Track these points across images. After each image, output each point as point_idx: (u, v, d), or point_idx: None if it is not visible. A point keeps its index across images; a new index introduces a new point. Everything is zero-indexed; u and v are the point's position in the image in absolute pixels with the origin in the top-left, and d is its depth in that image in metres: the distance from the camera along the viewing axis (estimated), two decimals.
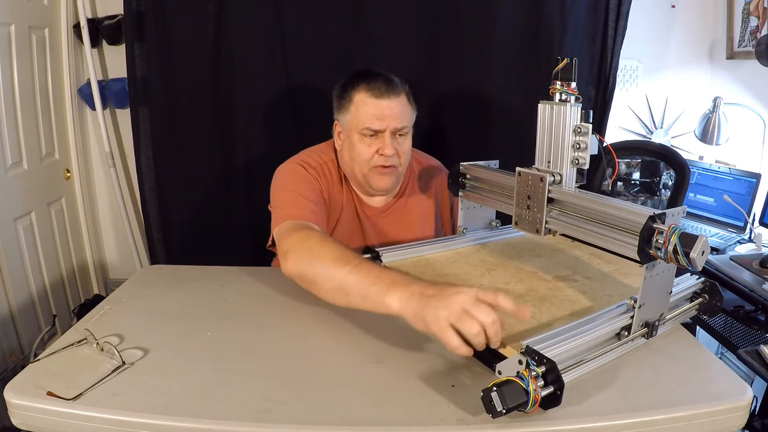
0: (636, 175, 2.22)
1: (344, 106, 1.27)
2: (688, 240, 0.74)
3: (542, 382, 0.71)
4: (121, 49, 2.04)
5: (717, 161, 2.16)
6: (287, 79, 1.92)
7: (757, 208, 1.89)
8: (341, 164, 1.35)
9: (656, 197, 2.19)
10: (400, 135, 1.27)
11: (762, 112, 2.00)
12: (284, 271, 1.04)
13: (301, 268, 1.00)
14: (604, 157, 1.01)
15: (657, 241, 0.77)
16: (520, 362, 0.75)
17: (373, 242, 1.37)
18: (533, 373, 0.70)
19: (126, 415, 0.73)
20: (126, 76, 1.95)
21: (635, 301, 0.84)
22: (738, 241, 1.86)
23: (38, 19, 2.05)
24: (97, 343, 0.87)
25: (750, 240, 1.86)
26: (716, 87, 2.21)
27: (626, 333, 0.85)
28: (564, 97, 0.95)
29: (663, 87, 2.28)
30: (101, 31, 2.17)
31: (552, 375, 0.71)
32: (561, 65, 0.94)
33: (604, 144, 1.01)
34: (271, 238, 1.21)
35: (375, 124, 1.23)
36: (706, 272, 1.59)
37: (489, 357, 0.83)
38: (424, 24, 1.89)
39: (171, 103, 1.93)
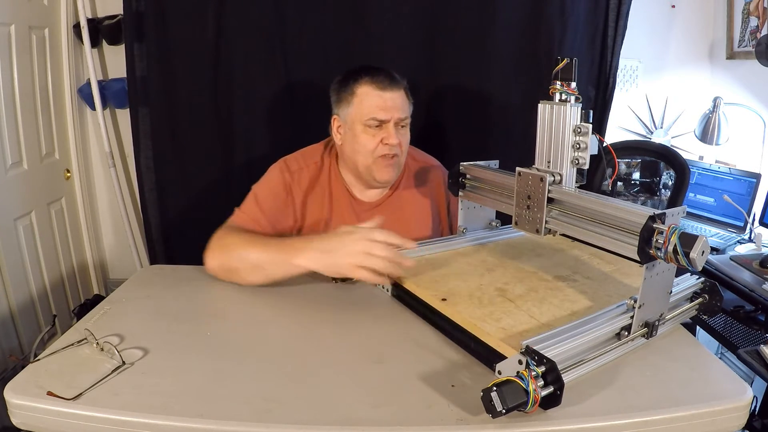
0: (636, 175, 2.22)
1: (346, 99, 1.28)
2: (688, 240, 0.74)
3: (542, 382, 0.71)
4: (121, 49, 2.04)
5: (717, 161, 2.16)
6: (287, 79, 1.92)
7: (757, 208, 1.89)
8: (341, 158, 1.35)
9: (656, 197, 2.19)
10: (402, 126, 1.29)
11: (762, 112, 2.00)
12: (207, 269, 1.16)
13: (219, 261, 1.14)
14: (604, 157, 1.01)
15: (657, 241, 0.77)
16: (520, 362, 0.75)
17: None
18: (533, 373, 0.70)
19: (126, 415, 0.73)
20: (126, 76, 1.95)
21: (635, 301, 0.84)
22: (738, 241, 1.86)
23: (38, 19, 2.05)
24: (97, 343, 0.87)
25: (750, 240, 1.86)
26: (716, 87, 2.21)
27: (626, 333, 0.84)
28: (564, 97, 0.95)
29: (663, 87, 2.28)
30: (101, 31, 2.17)
31: (552, 375, 0.71)
32: (561, 65, 0.94)
33: (604, 144, 1.01)
34: None
35: (380, 114, 1.25)
36: (706, 272, 1.59)
37: (489, 357, 0.83)
38: (424, 23, 1.89)
39: (171, 103, 1.93)
